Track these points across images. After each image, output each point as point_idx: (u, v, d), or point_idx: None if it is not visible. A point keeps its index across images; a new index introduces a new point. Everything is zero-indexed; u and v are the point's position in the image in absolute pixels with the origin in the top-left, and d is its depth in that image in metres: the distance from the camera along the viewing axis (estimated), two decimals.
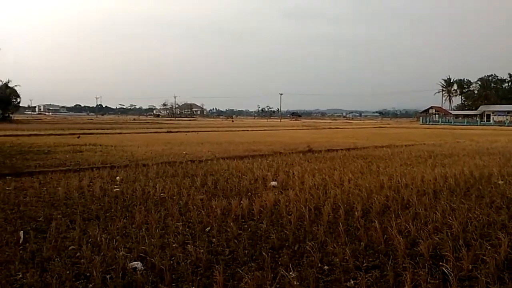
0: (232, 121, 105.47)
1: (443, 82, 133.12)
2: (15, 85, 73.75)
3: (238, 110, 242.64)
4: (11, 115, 72.95)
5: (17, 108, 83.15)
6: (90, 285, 4.35)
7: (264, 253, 5.24)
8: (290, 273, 4.71)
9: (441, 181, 10.45)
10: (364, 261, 5.17)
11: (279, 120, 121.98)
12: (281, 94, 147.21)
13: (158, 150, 18.57)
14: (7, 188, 9.48)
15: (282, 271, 4.73)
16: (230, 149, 19.84)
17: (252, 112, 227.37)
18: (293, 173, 11.68)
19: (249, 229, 6.46)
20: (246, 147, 21.14)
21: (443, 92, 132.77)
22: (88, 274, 4.61)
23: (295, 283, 4.42)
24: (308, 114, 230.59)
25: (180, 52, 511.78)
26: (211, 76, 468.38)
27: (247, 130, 44.88)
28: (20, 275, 4.61)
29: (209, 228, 6.45)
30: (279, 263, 5.12)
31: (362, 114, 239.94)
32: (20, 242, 5.74)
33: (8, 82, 71.84)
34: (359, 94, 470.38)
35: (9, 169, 12.25)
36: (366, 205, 7.84)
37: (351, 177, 10.89)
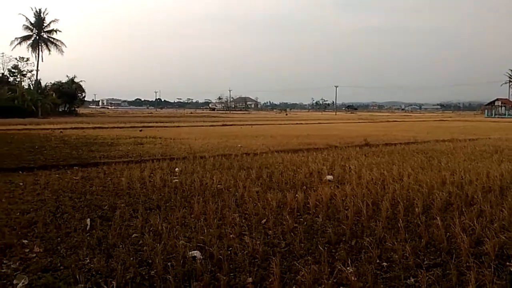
0: (286, 114, 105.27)
1: (510, 72, 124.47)
2: (80, 81, 77.80)
3: (292, 103, 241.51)
4: (76, 109, 77.17)
5: (82, 102, 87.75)
6: (153, 272, 4.54)
7: (320, 247, 5.22)
8: (348, 268, 4.65)
9: (508, 177, 9.85)
10: (425, 259, 5.00)
11: (334, 113, 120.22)
12: (336, 87, 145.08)
13: (214, 143, 18.95)
14: (74, 177, 10.07)
15: (340, 265, 4.69)
16: (284, 142, 19.83)
17: (306, 105, 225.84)
18: (350, 167, 11.47)
19: (305, 223, 6.45)
20: (300, 140, 21.03)
21: (511, 83, 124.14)
22: (150, 261, 4.81)
23: (352, 278, 4.36)
24: (365, 107, 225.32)
25: (236, 46, 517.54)
26: (265, 69, 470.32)
27: (301, 123, 44.63)
28: (88, 260, 4.89)
29: (265, 220, 6.51)
30: (336, 257, 5.07)
31: (422, 106, 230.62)
32: (87, 228, 6.09)
33: (74, 77, 75.85)
34: (419, 86, 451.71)
35: (76, 160, 13.02)
36: (426, 201, 7.55)
37: (410, 172, 10.52)
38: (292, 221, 6.33)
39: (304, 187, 9.07)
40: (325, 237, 5.75)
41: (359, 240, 5.63)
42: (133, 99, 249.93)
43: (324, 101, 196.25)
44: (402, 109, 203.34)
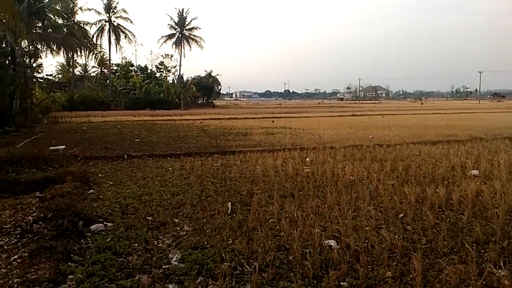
0: (422, 104, 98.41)
1: None
2: (217, 74, 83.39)
3: (428, 92, 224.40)
4: (213, 101, 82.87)
5: (218, 94, 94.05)
6: (291, 257, 4.70)
7: (467, 246, 4.82)
8: (500, 270, 4.24)
9: None
10: None
11: (478, 102, 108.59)
12: (480, 72, 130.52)
13: (344, 133, 18.68)
14: (215, 164, 10.87)
15: (489, 267, 4.30)
16: (421, 133, 18.63)
17: (444, 93, 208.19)
18: (498, 162, 10.33)
19: (448, 220, 6.00)
20: (438, 131, 19.55)
21: None
22: (287, 247, 4.99)
23: (506, 282, 3.96)
24: None
25: (364, 34, 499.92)
26: (397, 56, 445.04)
27: (439, 113, 41.34)
28: (231, 241, 5.27)
29: (402, 214, 6.23)
30: (485, 258, 4.66)
31: None
32: (229, 212, 6.55)
33: (211, 72, 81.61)
34: None
35: (215, 148, 14.04)
36: None
37: None
38: (433, 217, 5.95)
39: (446, 181, 8.44)
40: (472, 236, 5.31)
41: None
42: (263, 91, 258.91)
43: (466, 88, 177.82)
44: None
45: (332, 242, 5.03)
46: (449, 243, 5.07)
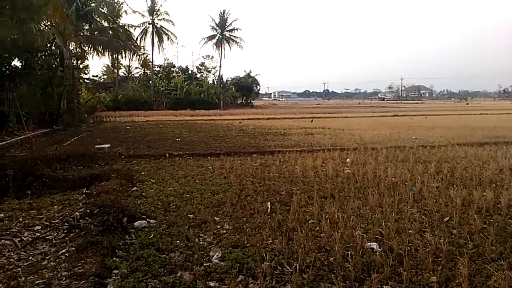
0: (467, 104, 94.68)
1: None
2: (256, 75, 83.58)
3: (474, 91, 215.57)
4: (252, 101, 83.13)
5: (257, 94, 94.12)
6: (331, 259, 4.65)
7: None
8: None
9: None
10: None
11: None
12: None
13: (386, 134, 18.27)
14: (254, 164, 10.91)
15: None
16: (466, 134, 17.94)
17: (491, 93, 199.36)
18: None
19: (496, 224, 5.75)
20: (486, 132, 18.75)
21: None
22: (328, 248, 4.93)
23: None
24: None
25: (407, 29, 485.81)
26: (441, 54, 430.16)
27: (486, 114, 39.62)
28: (270, 241, 5.28)
29: (448, 218, 6.03)
30: None
31: None
32: (268, 211, 6.55)
33: (250, 72, 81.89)
34: None
35: (254, 148, 14.09)
36: None
37: None
38: (480, 221, 5.72)
39: (493, 184, 8.10)
40: None
41: None
42: (302, 91, 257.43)
43: None
44: None
45: (374, 245, 4.94)
46: (497, 249, 4.86)
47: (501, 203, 6.63)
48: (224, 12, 72.20)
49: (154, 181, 8.93)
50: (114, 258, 4.71)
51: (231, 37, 71.89)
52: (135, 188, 8.24)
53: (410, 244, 5.01)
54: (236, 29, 72.27)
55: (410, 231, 5.46)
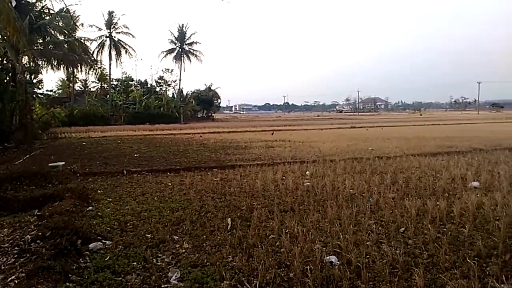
0: (420, 115, 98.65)
1: None
2: (216, 88, 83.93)
3: (427, 103, 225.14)
4: (213, 115, 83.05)
5: (218, 108, 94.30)
6: (291, 274, 4.64)
7: (469, 261, 4.77)
8: (502, 285, 4.20)
9: None
10: None
11: (477, 113, 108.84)
12: (479, 83, 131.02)
13: (343, 146, 18.65)
14: (214, 179, 10.82)
15: (493, 282, 4.25)
16: (420, 145, 18.62)
17: (443, 104, 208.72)
18: (499, 173, 10.31)
19: (449, 233, 5.95)
20: (438, 142, 19.54)
21: None
22: (288, 263, 4.93)
23: None
24: None
25: (362, 44, 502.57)
26: (396, 66, 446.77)
27: (438, 124, 41.42)
28: (231, 258, 5.21)
29: (403, 228, 6.18)
30: (488, 273, 4.61)
31: None
32: (229, 228, 6.48)
33: (211, 85, 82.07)
34: None
35: (215, 162, 13.99)
36: None
37: None
38: (434, 230, 5.91)
39: (446, 194, 8.41)
40: (474, 250, 5.25)
41: None
42: (263, 104, 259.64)
43: (464, 99, 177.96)
44: None
45: (333, 258, 4.98)
46: (451, 257, 5.01)
47: (454, 212, 6.87)
48: (183, 26, 72.15)
49: (110, 199, 8.66)
50: (67, 284, 4.50)
51: (191, 50, 71.72)
52: (90, 207, 7.95)
53: (368, 256, 5.09)
54: (195, 43, 72.28)
55: (367, 243, 5.55)
